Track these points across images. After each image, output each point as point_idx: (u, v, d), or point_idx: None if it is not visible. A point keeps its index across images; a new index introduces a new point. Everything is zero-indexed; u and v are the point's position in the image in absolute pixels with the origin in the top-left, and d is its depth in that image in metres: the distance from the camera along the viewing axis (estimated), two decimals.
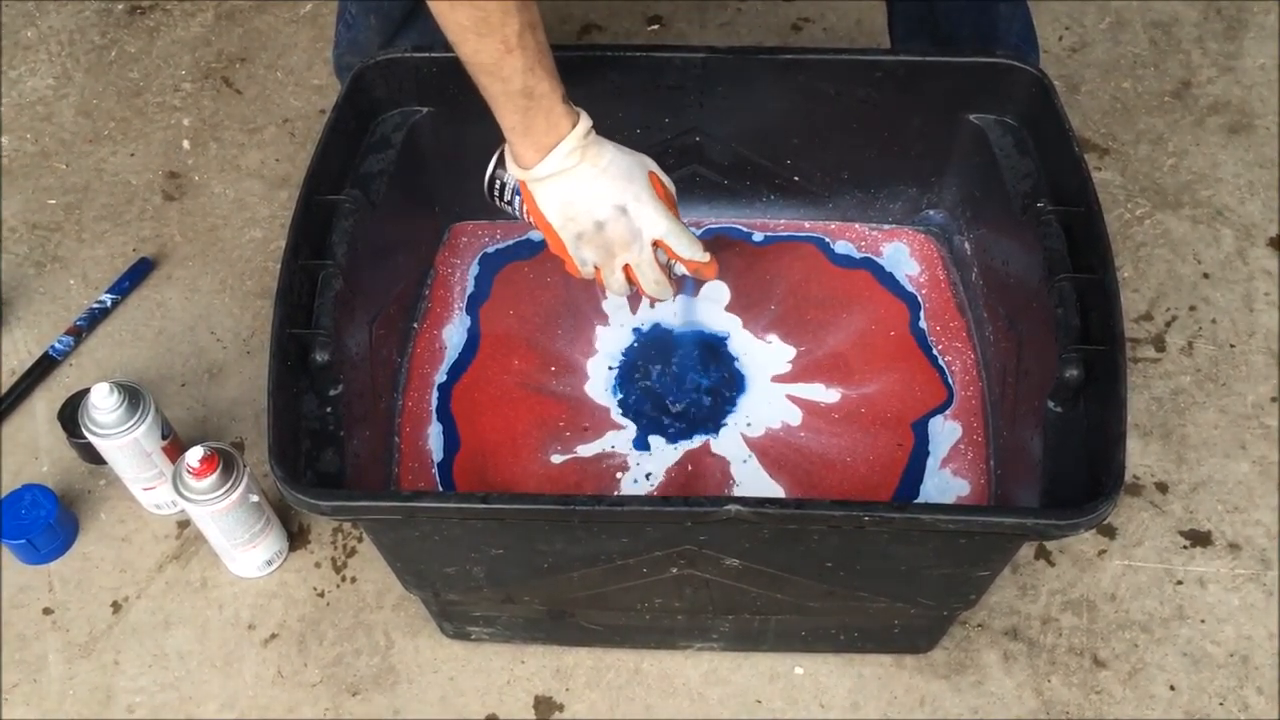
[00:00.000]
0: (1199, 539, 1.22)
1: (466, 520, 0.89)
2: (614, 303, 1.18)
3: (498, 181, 1.01)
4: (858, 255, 1.23)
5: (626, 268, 1.01)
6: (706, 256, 1.01)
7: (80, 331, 1.36)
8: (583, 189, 0.97)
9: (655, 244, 0.99)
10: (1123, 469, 0.85)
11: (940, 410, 1.12)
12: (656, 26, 1.65)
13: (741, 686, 1.14)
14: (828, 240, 1.24)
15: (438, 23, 0.90)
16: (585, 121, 0.96)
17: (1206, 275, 1.40)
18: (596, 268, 1.02)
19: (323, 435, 0.95)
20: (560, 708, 1.13)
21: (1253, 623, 1.17)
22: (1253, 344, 1.34)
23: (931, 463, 1.10)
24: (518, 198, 1.02)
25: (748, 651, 1.15)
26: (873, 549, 0.92)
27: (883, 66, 1.11)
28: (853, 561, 0.94)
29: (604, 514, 0.86)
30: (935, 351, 1.16)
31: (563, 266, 1.04)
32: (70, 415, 1.22)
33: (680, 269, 1.02)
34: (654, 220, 0.98)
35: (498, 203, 1.03)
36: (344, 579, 1.21)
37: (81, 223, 1.46)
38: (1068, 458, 0.93)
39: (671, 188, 1.02)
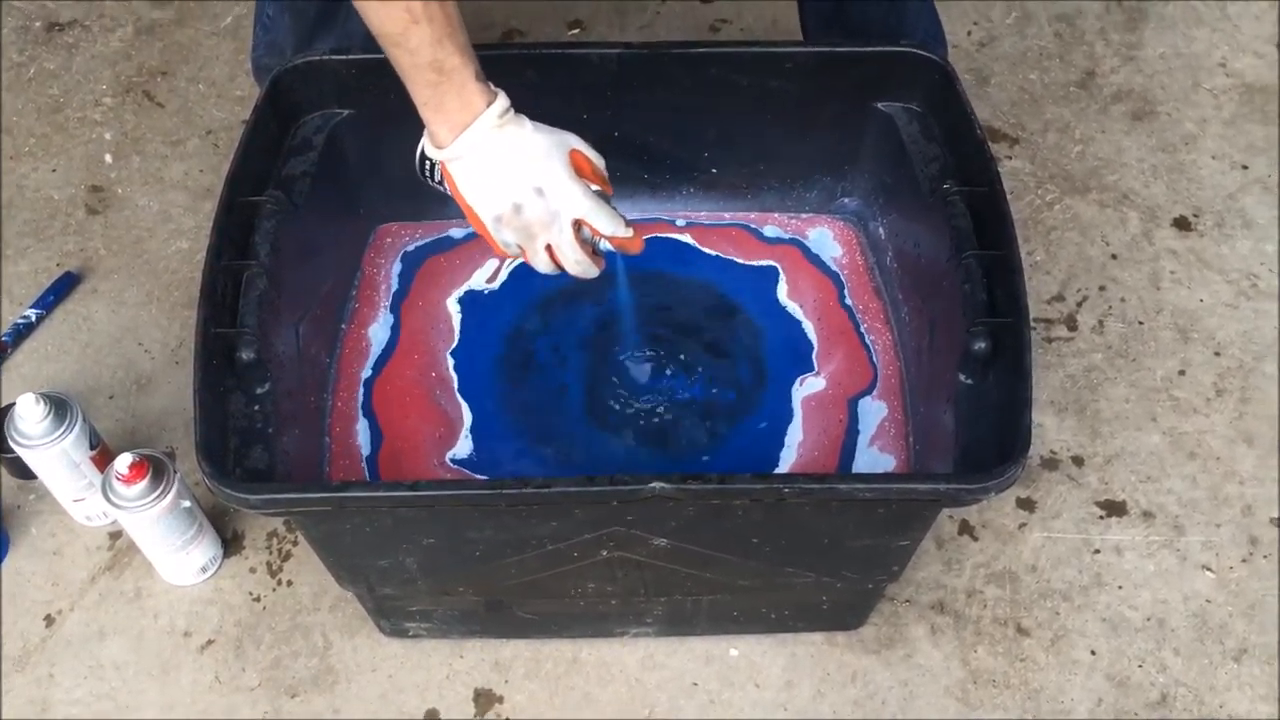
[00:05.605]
0: (1114, 509, 1.26)
1: (396, 509, 0.90)
2: None
3: (427, 161, 0.99)
4: (786, 236, 1.25)
5: (549, 247, 0.99)
6: (629, 232, 0.99)
7: (5, 348, 1.35)
8: (498, 170, 0.95)
9: (577, 223, 0.98)
10: (1029, 433, 0.88)
11: (870, 389, 1.15)
12: (577, 31, 1.67)
13: (678, 670, 1.16)
14: (754, 226, 1.26)
15: None
16: (502, 100, 0.94)
17: (1115, 256, 1.45)
18: (521, 247, 1.00)
19: (251, 433, 0.96)
20: (500, 699, 1.14)
21: (1168, 587, 1.21)
22: (1160, 320, 1.39)
23: (861, 440, 1.12)
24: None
25: (682, 635, 1.17)
26: (795, 522, 0.94)
27: (793, 58, 1.13)
28: (778, 536, 0.96)
29: (531, 496, 0.86)
30: (862, 329, 1.19)
31: (490, 250, 1.02)
32: None
33: (605, 244, 1.01)
34: (572, 200, 0.96)
35: (429, 182, 1.01)
36: (280, 583, 1.21)
37: (4, 239, 1.45)
38: (979, 427, 0.96)
39: (599, 162, 1.00)
